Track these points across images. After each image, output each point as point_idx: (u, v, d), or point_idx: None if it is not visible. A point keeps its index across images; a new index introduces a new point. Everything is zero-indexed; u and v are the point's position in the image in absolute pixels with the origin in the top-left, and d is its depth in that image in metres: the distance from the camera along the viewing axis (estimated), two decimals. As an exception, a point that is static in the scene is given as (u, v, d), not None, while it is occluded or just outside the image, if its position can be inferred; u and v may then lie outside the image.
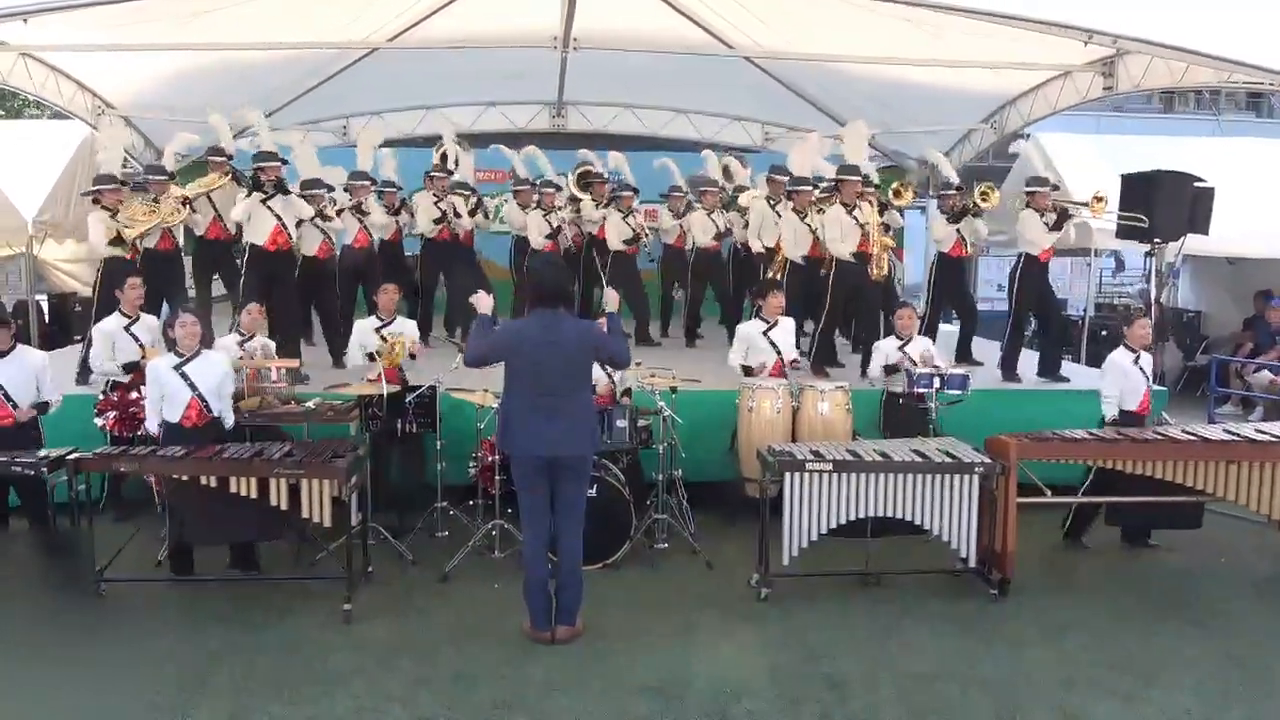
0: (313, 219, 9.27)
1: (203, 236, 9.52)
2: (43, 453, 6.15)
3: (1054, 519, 7.38)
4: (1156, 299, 10.88)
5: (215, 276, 9.87)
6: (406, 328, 7.78)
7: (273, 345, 7.71)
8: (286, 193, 8.97)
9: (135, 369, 7.19)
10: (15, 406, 6.49)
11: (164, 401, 6.28)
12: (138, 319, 7.51)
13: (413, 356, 7.65)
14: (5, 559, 6.80)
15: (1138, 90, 10.10)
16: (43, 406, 6.64)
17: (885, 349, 7.90)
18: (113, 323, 7.49)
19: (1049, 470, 6.91)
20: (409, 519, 7.41)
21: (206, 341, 6.43)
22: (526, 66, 12.36)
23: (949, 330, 11.10)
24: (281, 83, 12.25)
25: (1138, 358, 7.23)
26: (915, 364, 7.58)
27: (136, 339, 7.42)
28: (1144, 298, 11.79)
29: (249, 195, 8.96)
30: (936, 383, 7.36)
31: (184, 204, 8.89)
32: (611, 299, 5.98)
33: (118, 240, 8.54)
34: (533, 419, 5.42)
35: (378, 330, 7.66)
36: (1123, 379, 7.24)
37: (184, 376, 6.24)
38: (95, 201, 8.70)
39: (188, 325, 6.25)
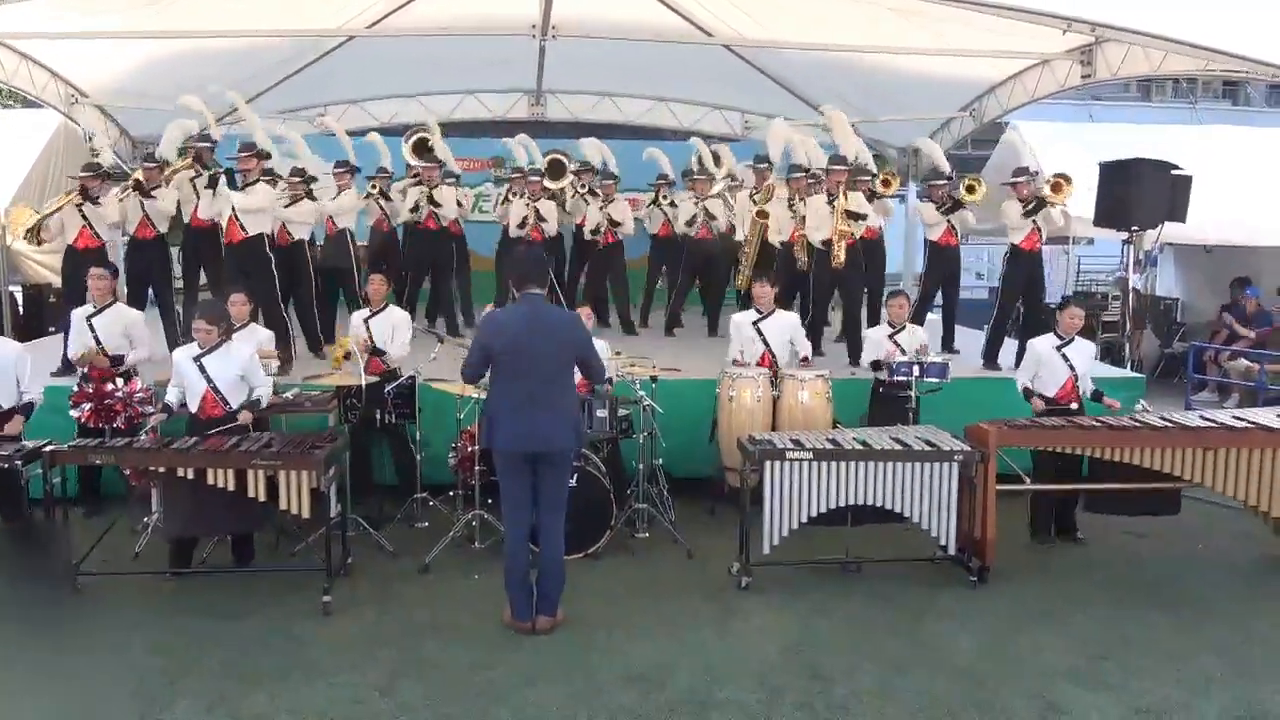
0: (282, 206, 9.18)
1: (189, 225, 9.45)
2: (17, 445, 6.08)
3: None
4: (1134, 286, 10.93)
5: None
6: (396, 317, 7.70)
7: (270, 335, 7.65)
8: (234, 184, 8.78)
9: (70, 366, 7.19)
10: None
11: (184, 390, 6.35)
12: (104, 310, 7.38)
13: (379, 352, 7.49)
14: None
15: (1116, 78, 10.15)
16: (27, 408, 6.53)
17: (875, 338, 7.90)
18: (79, 312, 7.43)
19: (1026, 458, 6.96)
20: (388, 510, 7.39)
21: (227, 333, 6.42)
22: (505, 54, 12.30)
23: (932, 319, 11.12)
24: (258, 70, 12.16)
25: (1064, 345, 7.23)
26: (904, 353, 7.59)
27: (93, 330, 7.30)
28: (1120, 285, 11.86)
29: (209, 187, 8.85)
30: (916, 371, 7.38)
31: (134, 189, 8.87)
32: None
33: (33, 230, 8.60)
34: (517, 412, 5.40)
35: (366, 321, 7.60)
36: (1037, 365, 7.28)
37: (201, 368, 6.25)
38: (83, 190, 8.64)
39: (201, 331, 6.28)
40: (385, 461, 7.69)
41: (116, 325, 7.39)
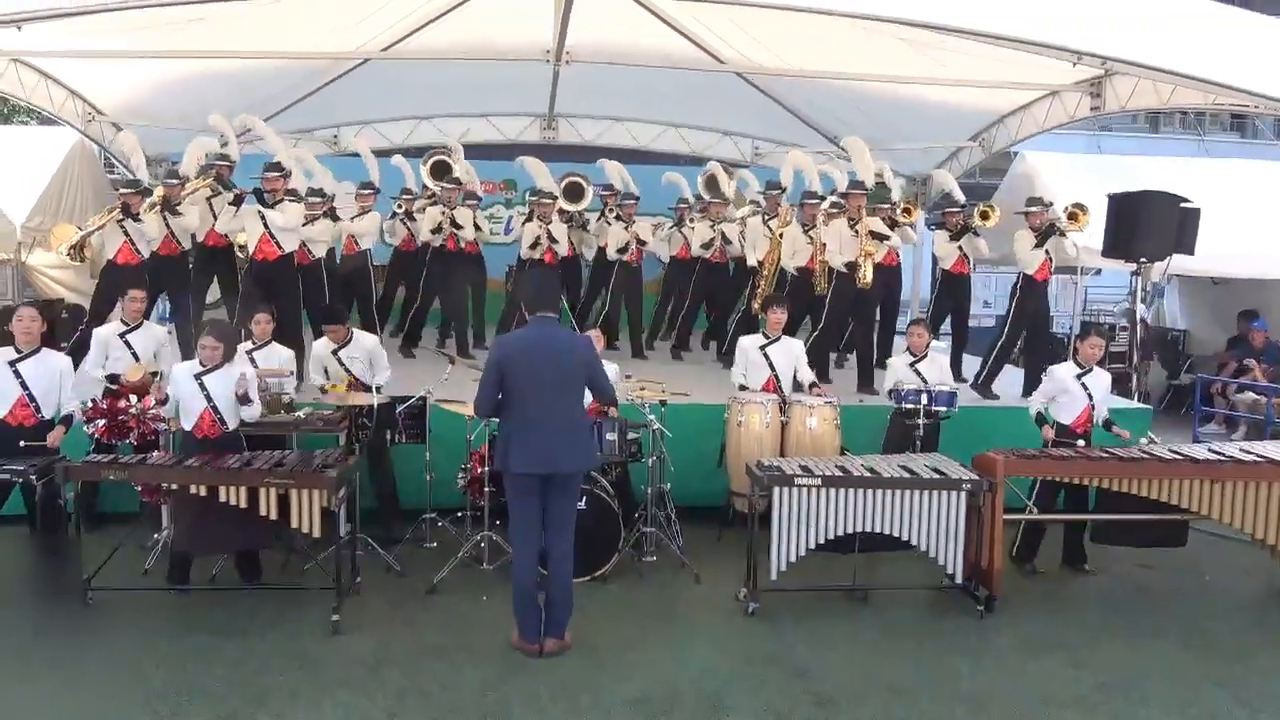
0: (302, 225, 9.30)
1: (203, 243, 9.54)
2: (58, 456, 6.16)
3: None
4: (1141, 317, 10.96)
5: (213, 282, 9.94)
6: (368, 345, 7.66)
7: (291, 355, 7.67)
8: (265, 203, 9.02)
9: (117, 380, 7.23)
10: (39, 409, 6.44)
11: (180, 408, 6.36)
12: (137, 329, 7.50)
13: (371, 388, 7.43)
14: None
15: (1124, 110, 10.19)
16: (68, 420, 6.57)
17: (896, 366, 7.92)
18: (108, 330, 7.53)
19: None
20: (397, 530, 7.42)
21: (229, 354, 6.45)
22: (518, 78, 12.38)
23: (938, 346, 11.15)
24: (273, 91, 12.25)
25: (1084, 374, 7.26)
26: (926, 382, 7.62)
27: (130, 347, 7.41)
28: (1128, 316, 11.89)
29: (234, 204, 9.13)
30: (924, 399, 7.40)
31: (161, 205, 8.99)
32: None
33: (76, 247, 8.75)
34: (528, 434, 5.44)
35: (334, 353, 7.59)
36: (1055, 391, 7.31)
37: (201, 386, 6.28)
38: (125, 207, 8.74)
39: (208, 349, 6.29)
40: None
41: (151, 342, 7.54)
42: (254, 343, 7.44)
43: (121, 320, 7.57)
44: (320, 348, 7.65)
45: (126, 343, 7.43)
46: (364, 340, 7.70)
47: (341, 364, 7.55)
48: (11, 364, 6.39)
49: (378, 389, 7.21)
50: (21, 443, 6.24)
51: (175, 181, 9.24)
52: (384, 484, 7.60)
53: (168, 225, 9.01)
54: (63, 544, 6.17)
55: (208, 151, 9.82)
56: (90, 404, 6.95)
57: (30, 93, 10.55)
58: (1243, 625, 6.41)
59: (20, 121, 18.67)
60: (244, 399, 6.26)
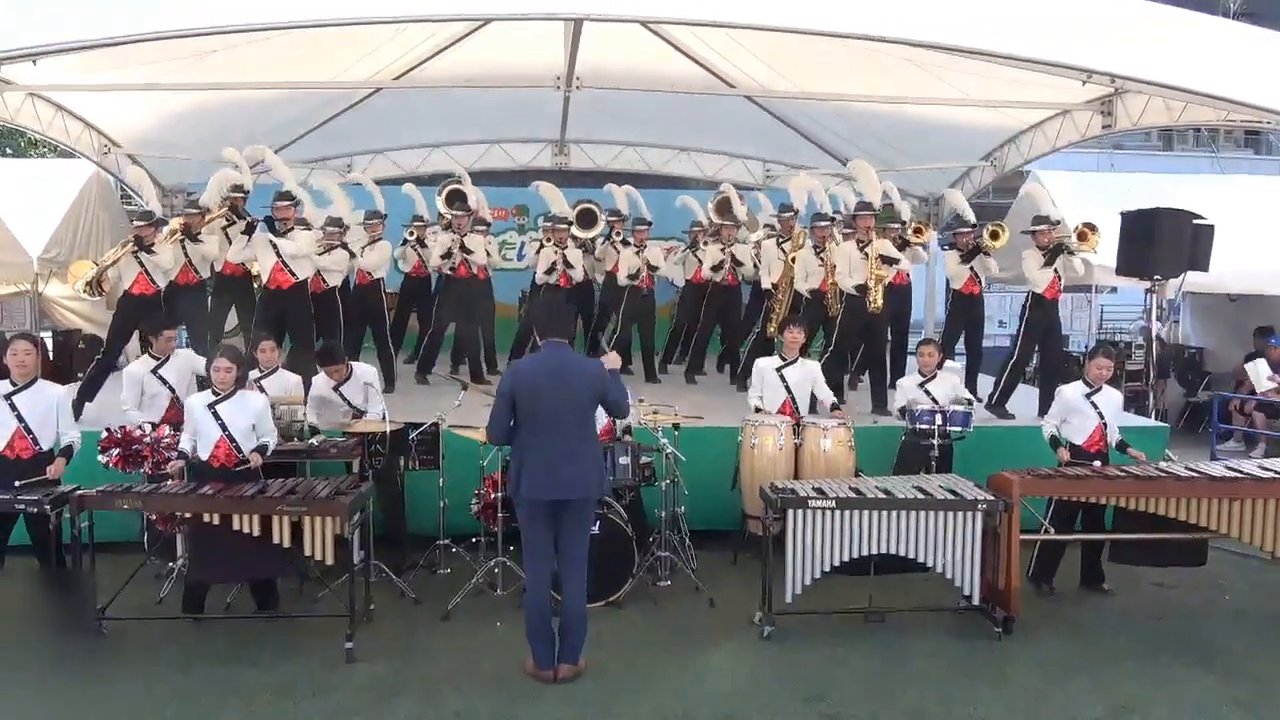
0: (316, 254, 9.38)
1: (220, 271, 9.63)
2: (46, 490, 6.13)
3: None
4: (1157, 335, 10.90)
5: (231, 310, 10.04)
6: (364, 377, 7.63)
7: (298, 380, 7.68)
8: (276, 231, 9.13)
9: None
10: (35, 440, 6.39)
11: (196, 438, 6.36)
12: (168, 361, 7.47)
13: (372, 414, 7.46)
14: (6, 598, 6.78)
15: (1136, 128, 10.19)
16: (68, 451, 6.51)
17: (906, 387, 7.89)
18: (140, 368, 7.48)
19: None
20: (411, 556, 7.41)
21: (242, 380, 6.48)
22: (529, 105, 12.45)
23: (953, 367, 11.11)
24: (286, 121, 12.37)
25: (1093, 393, 7.21)
26: (937, 402, 7.58)
27: (165, 381, 7.40)
28: (1144, 334, 11.83)
29: (246, 233, 9.26)
30: (938, 419, 7.36)
31: (182, 233, 9.12)
32: (614, 360, 5.99)
33: (92, 283, 8.84)
34: (541, 460, 5.44)
35: (336, 389, 7.55)
36: (1065, 411, 7.27)
37: (216, 415, 6.29)
38: (138, 240, 8.78)
39: (221, 370, 6.30)
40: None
41: (185, 369, 7.54)
42: (261, 370, 7.47)
43: (150, 356, 7.52)
44: (321, 386, 7.62)
45: (160, 378, 7.41)
46: (361, 375, 7.67)
47: (343, 398, 7.56)
48: (7, 397, 6.35)
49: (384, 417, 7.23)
50: (17, 483, 6.11)
51: (195, 211, 9.33)
52: (393, 509, 7.57)
53: (186, 254, 9.09)
54: (75, 574, 6.16)
55: (233, 184, 9.92)
56: (105, 433, 6.98)
57: (47, 126, 10.68)
58: (1264, 644, 6.34)
59: (37, 154, 18.88)
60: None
